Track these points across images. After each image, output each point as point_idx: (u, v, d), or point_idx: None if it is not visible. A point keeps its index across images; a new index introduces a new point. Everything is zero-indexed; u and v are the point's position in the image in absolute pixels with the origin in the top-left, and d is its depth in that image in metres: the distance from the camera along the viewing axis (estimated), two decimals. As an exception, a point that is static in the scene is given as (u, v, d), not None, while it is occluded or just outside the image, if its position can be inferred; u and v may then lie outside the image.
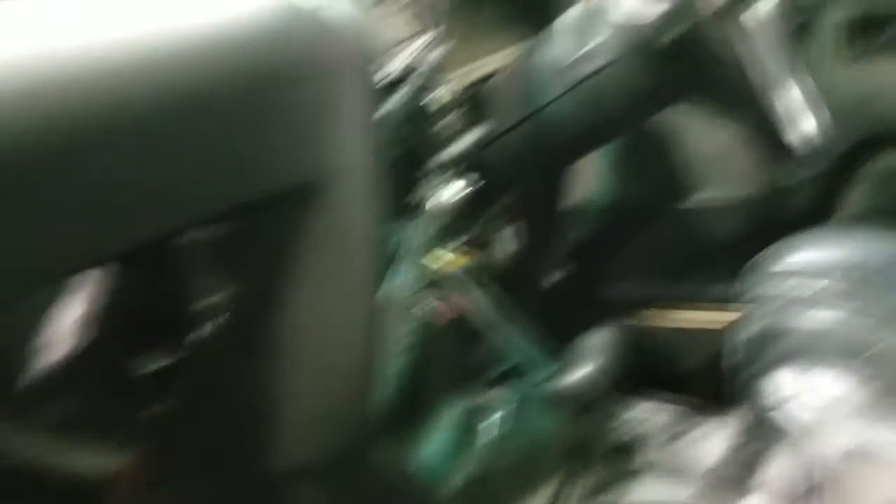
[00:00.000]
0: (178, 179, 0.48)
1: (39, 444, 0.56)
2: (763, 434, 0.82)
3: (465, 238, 0.96)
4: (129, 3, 0.48)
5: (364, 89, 0.61)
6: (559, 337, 1.03)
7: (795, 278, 0.82)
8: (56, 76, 0.42)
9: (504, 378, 0.96)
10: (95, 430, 0.59)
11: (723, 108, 0.99)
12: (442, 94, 0.91)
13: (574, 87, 0.91)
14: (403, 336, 0.82)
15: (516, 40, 1.03)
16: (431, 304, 0.87)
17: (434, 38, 0.90)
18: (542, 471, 0.95)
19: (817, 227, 1.02)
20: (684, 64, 0.87)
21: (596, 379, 0.99)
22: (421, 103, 0.89)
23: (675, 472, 0.99)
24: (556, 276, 1.25)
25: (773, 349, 0.81)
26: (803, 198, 1.13)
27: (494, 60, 1.02)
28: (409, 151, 0.88)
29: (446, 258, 0.91)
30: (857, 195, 1.11)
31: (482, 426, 0.89)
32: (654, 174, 1.25)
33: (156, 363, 0.61)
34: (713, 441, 0.98)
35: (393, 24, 0.90)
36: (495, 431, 0.90)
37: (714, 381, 0.96)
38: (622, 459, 1.02)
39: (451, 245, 0.93)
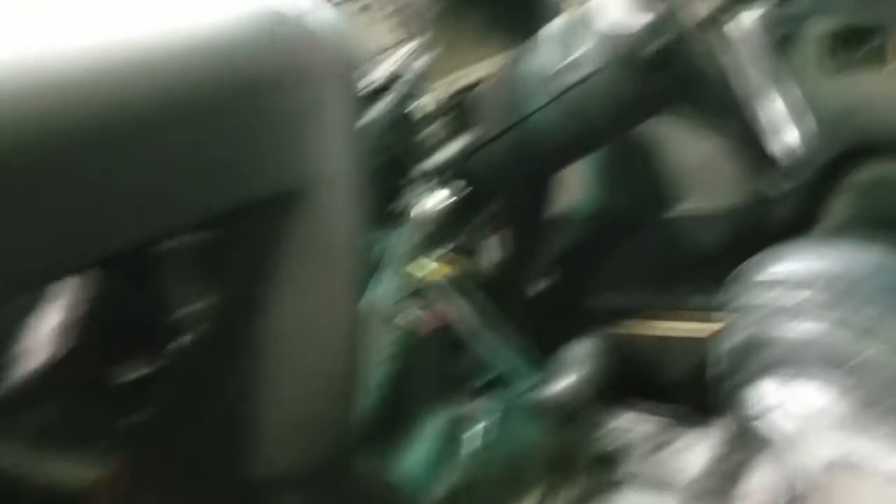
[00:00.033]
0: (160, 185, 0.47)
1: (19, 453, 0.55)
2: (746, 444, 0.82)
3: (449, 246, 0.96)
4: (112, 9, 0.48)
5: (348, 96, 0.60)
6: (543, 346, 1.03)
7: (779, 288, 0.82)
8: (37, 81, 0.41)
9: (488, 388, 0.95)
10: (76, 439, 0.58)
11: (707, 118, 1.00)
12: (427, 102, 0.92)
13: (559, 96, 0.91)
14: (387, 345, 0.82)
15: (502, 49, 1.03)
16: (415, 313, 0.87)
17: (419, 45, 0.91)
18: (525, 481, 0.95)
19: (800, 238, 1.02)
20: (669, 74, 0.87)
21: (580, 389, 0.99)
22: (406, 111, 0.89)
23: (658, 482, 0.99)
24: (540, 284, 1.25)
25: (756, 359, 0.81)
26: (786, 208, 1.13)
27: (480, 69, 1.02)
28: (393, 159, 0.88)
29: (431, 267, 0.91)
30: (840, 206, 1.12)
31: (466, 436, 0.89)
32: (639, 184, 1.25)
33: (136, 371, 0.61)
34: (696, 451, 0.98)
35: (378, 31, 0.90)
36: (479, 441, 0.89)
37: (698, 390, 0.96)
38: (605, 470, 1.02)
39: (436, 253, 0.93)
